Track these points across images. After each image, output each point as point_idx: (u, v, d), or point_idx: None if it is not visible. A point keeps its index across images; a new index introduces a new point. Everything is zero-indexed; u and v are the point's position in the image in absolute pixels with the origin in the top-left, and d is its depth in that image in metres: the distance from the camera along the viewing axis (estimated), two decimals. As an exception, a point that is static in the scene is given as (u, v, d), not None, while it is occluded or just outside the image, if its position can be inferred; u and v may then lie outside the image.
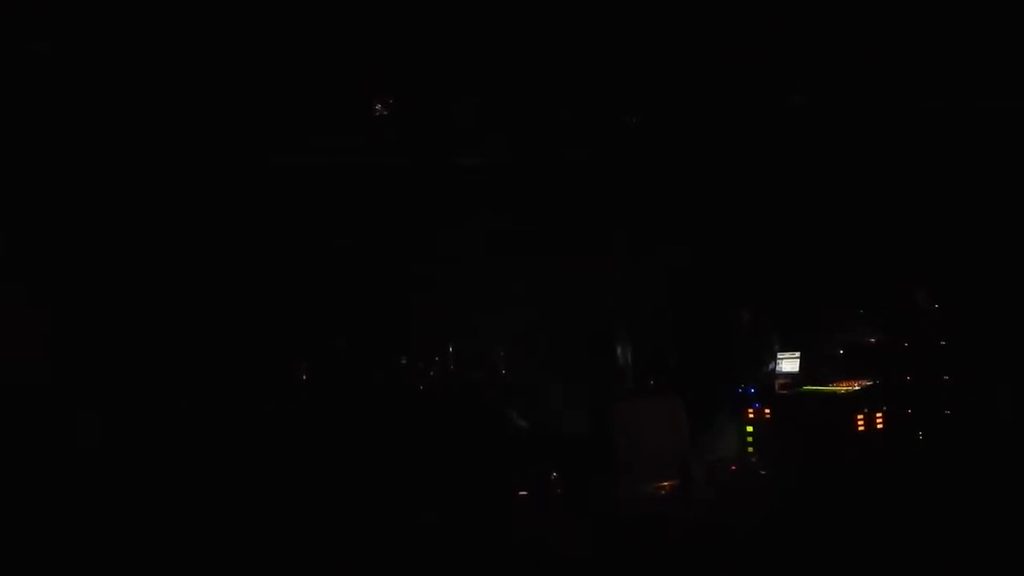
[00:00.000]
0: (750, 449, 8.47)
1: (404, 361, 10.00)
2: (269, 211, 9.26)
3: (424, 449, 8.41)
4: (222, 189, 8.96)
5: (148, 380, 8.38)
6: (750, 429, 8.53)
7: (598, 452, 8.79)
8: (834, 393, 8.30)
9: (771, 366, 8.93)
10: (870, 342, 8.68)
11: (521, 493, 8.23)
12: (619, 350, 9.95)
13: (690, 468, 8.33)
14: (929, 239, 9.00)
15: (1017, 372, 7.90)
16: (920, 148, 8.95)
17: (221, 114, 8.31)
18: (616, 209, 9.77)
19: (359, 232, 9.64)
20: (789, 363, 8.86)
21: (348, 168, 9.54)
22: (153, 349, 8.60)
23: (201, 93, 8.08)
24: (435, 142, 9.61)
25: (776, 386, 8.71)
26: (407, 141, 9.44)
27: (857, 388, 8.23)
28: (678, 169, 9.69)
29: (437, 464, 8.20)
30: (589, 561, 6.35)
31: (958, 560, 5.64)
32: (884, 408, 8.05)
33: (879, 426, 7.98)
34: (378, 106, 9.24)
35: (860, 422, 8.00)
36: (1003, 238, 8.55)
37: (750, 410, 8.63)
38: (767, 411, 8.53)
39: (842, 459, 7.71)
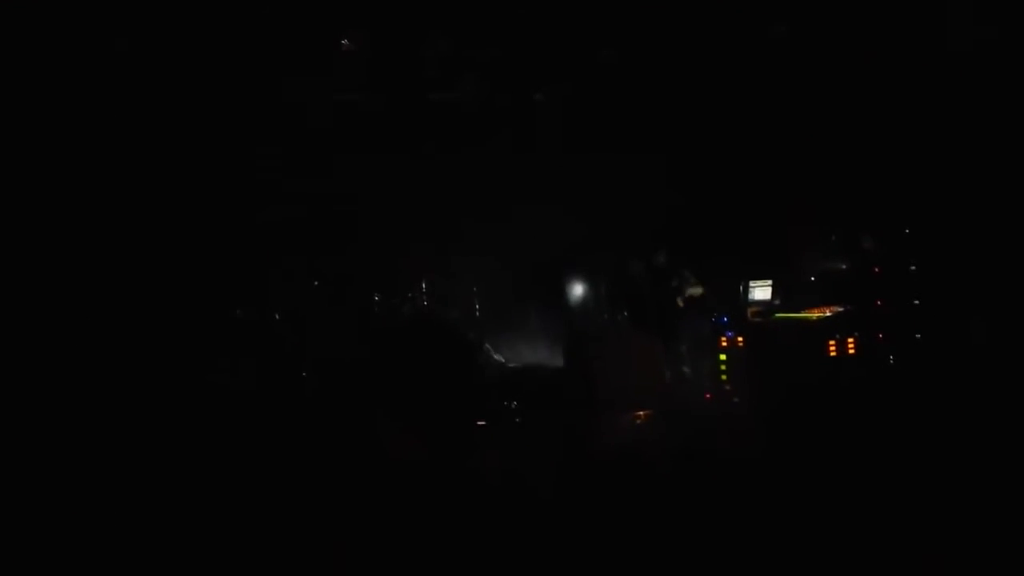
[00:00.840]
0: (724, 377, 8.50)
1: (377, 298, 9.95)
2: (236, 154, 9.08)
3: (394, 387, 8.38)
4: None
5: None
6: (723, 358, 8.54)
7: (573, 385, 8.83)
8: (807, 319, 8.34)
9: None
10: (842, 268, 8.70)
11: (479, 423, 8.26)
12: (592, 286, 9.97)
13: (665, 399, 8.37)
14: (901, 166, 8.99)
15: (987, 296, 7.96)
16: (892, 68, 8.89)
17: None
18: (588, 142, 9.66)
19: (326, 171, 9.50)
20: (761, 291, 8.87)
21: (319, 107, 9.41)
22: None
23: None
24: (407, 79, 9.49)
25: (749, 314, 8.73)
26: (378, 78, 9.33)
27: (829, 314, 8.27)
28: (651, 98, 9.60)
29: (408, 401, 8.18)
30: (552, 491, 6.39)
31: (930, 478, 5.70)
32: (856, 333, 8.10)
33: (851, 351, 8.04)
34: (345, 41, 9.08)
35: (832, 347, 8.06)
36: (975, 163, 8.54)
37: (723, 339, 8.65)
38: (740, 339, 8.56)
39: (815, 384, 7.75)
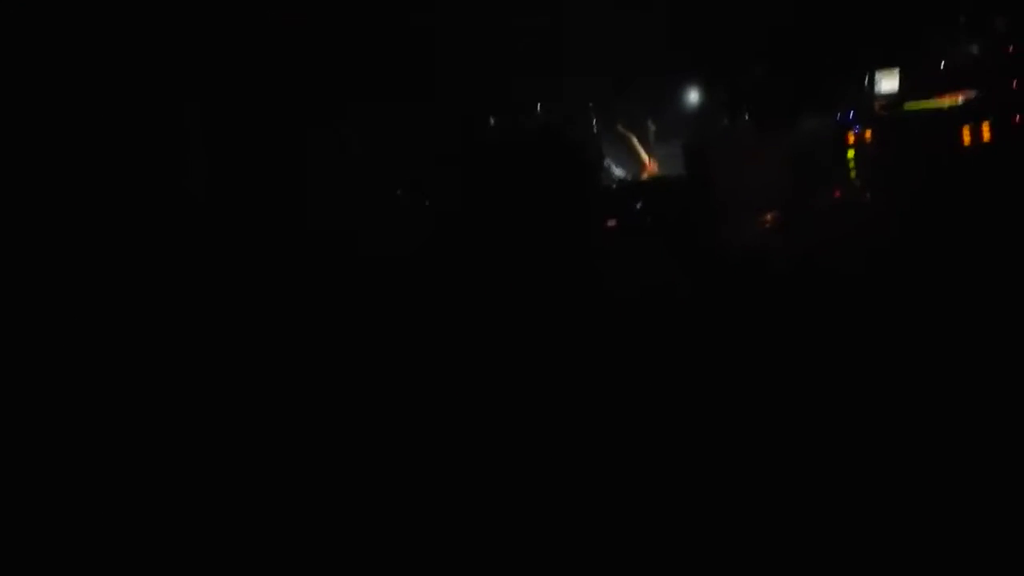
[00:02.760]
0: (852, 175, 8.42)
1: (492, 123, 9.97)
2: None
3: (524, 205, 8.50)
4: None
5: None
6: (851, 155, 8.44)
7: (695, 190, 8.85)
8: (938, 108, 8.11)
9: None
10: (973, 52, 8.34)
11: (609, 224, 8.39)
12: (711, 91, 9.80)
13: (792, 199, 8.35)
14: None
15: None
16: None
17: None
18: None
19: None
20: (888, 81, 8.62)
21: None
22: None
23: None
24: None
25: (876, 107, 8.53)
26: None
27: (961, 101, 8.02)
28: None
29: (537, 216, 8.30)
30: (683, 291, 6.53)
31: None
32: (991, 118, 7.86)
33: (986, 138, 7.83)
34: None
35: (966, 135, 7.86)
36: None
37: (850, 134, 8.51)
38: (868, 133, 8.41)
39: (950, 176, 7.62)
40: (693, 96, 10.13)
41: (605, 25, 9.32)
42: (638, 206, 8.85)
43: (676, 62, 9.64)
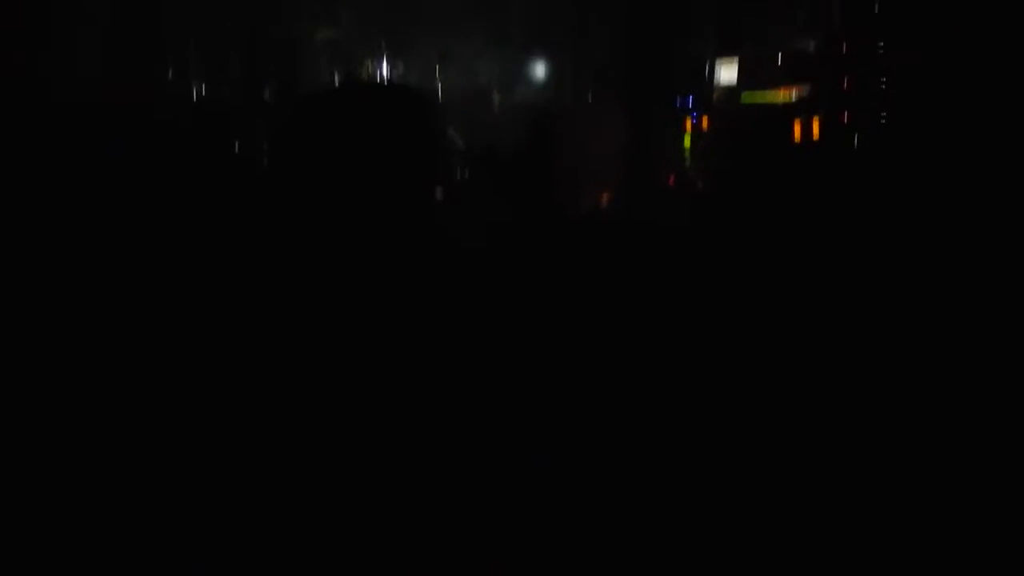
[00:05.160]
0: (687, 163, 8.51)
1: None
2: None
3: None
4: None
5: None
6: (687, 142, 8.53)
7: (533, 162, 8.78)
8: (773, 105, 8.25)
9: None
10: (808, 47, 8.49)
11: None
12: (559, 65, 9.72)
13: (626, 181, 8.37)
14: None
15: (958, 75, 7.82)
16: None
17: None
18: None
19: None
20: (727, 71, 8.72)
21: None
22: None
23: None
24: None
25: (714, 96, 8.63)
26: None
27: (795, 98, 8.17)
28: None
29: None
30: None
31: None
32: (820, 113, 8.02)
33: (814, 135, 8.02)
34: None
35: (796, 130, 8.03)
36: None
37: (688, 121, 8.59)
38: (705, 122, 8.51)
39: (778, 171, 7.80)
40: (539, 70, 10.02)
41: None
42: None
43: (518, 34, 9.52)
